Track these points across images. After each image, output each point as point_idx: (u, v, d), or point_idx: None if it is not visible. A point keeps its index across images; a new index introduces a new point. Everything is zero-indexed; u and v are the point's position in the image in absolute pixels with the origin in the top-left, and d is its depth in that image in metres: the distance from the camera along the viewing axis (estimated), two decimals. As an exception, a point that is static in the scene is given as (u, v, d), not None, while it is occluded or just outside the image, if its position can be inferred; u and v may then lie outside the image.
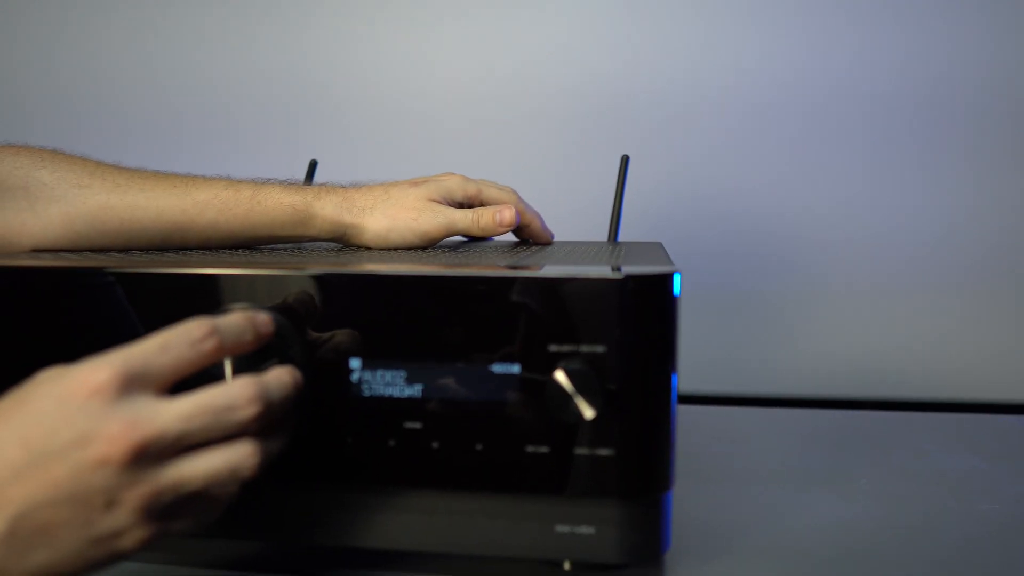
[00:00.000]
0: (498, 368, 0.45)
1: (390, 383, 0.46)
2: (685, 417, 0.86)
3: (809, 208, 0.97)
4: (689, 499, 0.62)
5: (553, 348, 0.44)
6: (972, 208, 0.95)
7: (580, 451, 0.45)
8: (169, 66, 1.07)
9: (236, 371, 0.45)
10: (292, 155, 0.95)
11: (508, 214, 0.67)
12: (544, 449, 0.45)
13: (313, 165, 0.82)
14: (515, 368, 0.45)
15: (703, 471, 0.69)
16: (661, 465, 0.46)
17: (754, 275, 0.99)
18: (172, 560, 0.52)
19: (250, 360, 0.45)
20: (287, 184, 0.66)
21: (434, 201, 0.67)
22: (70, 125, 1.09)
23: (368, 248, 0.67)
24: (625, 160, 0.77)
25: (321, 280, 0.47)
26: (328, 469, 0.47)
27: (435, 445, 0.46)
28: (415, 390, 0.46)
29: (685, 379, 0.98)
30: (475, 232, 0.68)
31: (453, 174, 0.70)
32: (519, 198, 0.71)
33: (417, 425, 0.46)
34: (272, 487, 0.48)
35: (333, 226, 0.66)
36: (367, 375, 0.46)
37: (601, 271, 0.44)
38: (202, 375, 0.41)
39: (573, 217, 0.87)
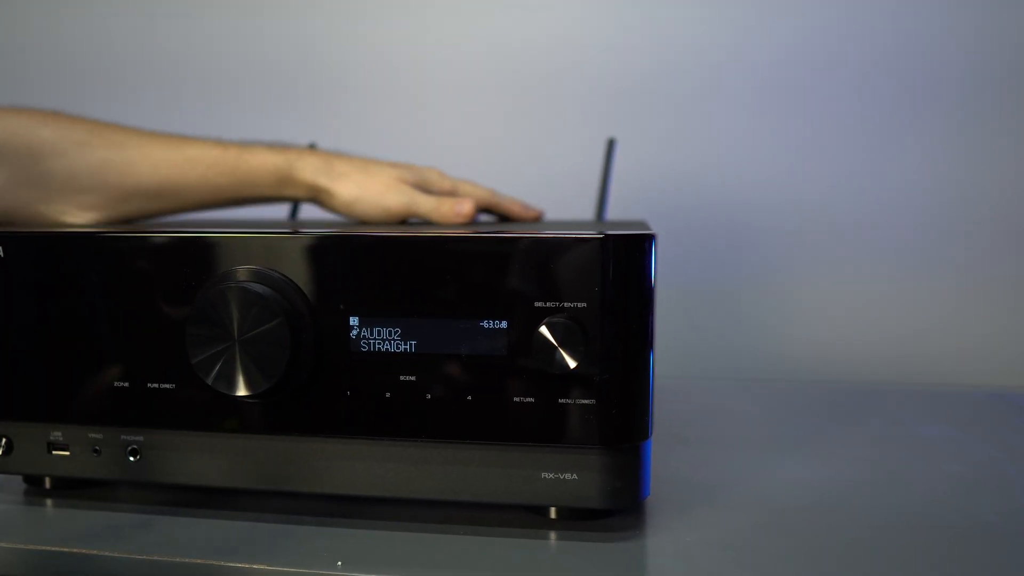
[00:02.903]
0: (487, 324, 0.48)
1: (386, 339, 0.49)
2: (668, 390, 0.89)
3: (794, 197, 1.01)
4: (670, 460, 0.65)
5: (538, 304, 0.48)
6: (948, 195, 0.98)
7: (564, 401, 0.48)
8: (165, 36, 1.10)
9: (240, 331, 0.48)
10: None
11: (467, 207, 0.70)
12: (530, 400, 0.48)
13: (311, 148, 0.84)
14: (503, 324, 0.48)
15: (685, 437, 0.72)
16: (640, 415, 0.49)
17: (738, 257, 1.02)
18: (179, 503, 0.55)
19: (248, 319, 0.48)
20: (273, 145, 0.71)
21: (406, 184, 0.71)
22: (71, 90, 1.12)
23: (336, 213, 0.71)
24: (611, 143, 0.80)
25: (322, 242, 0.50)
26: (328, 420, 0.50)
27: (428, 397, 0.49)
28: (410, 345, 0.49)
29: (672, 362, 1.01)
30: (435, 218, 0.70)
31: (435, 169, 0.74)
32: (494, 193, 0.75)
33: (412, 378, 0.49)
34: (276, 437, 0.52)
35: (309, 188, 0.70)
36: (365, 332, 0.49)
37: (584, 232, 0.48)
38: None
39: (564, 200, 0.90)
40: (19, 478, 0.59)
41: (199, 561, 0.48)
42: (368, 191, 0.69)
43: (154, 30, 1.11)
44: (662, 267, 1.02)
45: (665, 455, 0.66)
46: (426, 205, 0.70)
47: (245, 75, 1.09)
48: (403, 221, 0.71)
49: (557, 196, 1.00)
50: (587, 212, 0.87)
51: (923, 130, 0.98)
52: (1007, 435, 0.74)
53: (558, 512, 0.52)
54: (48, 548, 0.50)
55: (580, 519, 0.52)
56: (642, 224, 0.69)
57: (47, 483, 0.58)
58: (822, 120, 0.99)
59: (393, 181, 0.70)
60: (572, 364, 0.47)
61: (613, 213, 0.96)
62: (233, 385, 0.49)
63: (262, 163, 0.69)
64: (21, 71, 1.14)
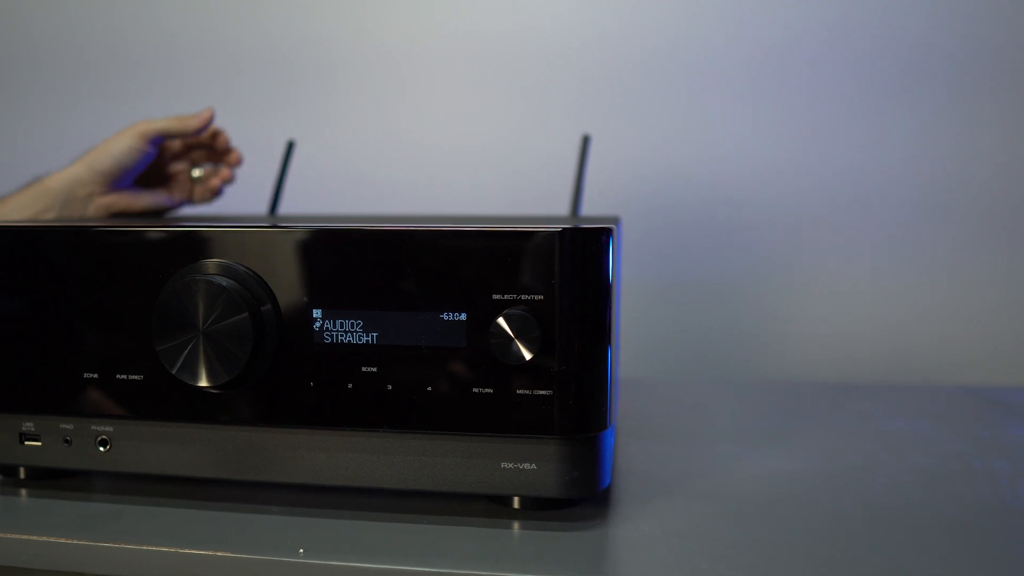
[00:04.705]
0: (446, 316, 0.49)
1: (348, 331, 0.50)
2: (640, 386, 0.90)
3: (774, 197, 1.01)
4: (638, 455, 0.66)
5: (497, 297, 0.48)
6: (927, 196, 0.99)
7: (522, 392, 0.49)
8: (160, 24, 1.11)
9: (205, 323, 0.49)
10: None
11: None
12: (489, 390, 0.49)
13: (290, 146, 0.85)
14: (462, 316, 0.49)
15: (654, 431, 0.73)
16: (598, 406, 0.50)
17: (716, 256, 1.03)
18: (150, 492, 0.56)
19: (219, 312, 0.49)
20: None
21: None
22: (63, 78, 1.12)
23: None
24: (586, 140, 0.81)
25: (287, 236, 0.51)
26: (292, 411, 0.51)
27: (389, 388, 0.50)
28: (371, 337, 0.50)
29: (648, 361, 1.02)
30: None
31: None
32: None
33: (373, 369, 0.50)
34: (241, 428, 0.52)
35: None
36: (328, 324, 0.50)
37: (541, 226, 0.48)
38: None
39: (544, 196, 0.91)
40: (-5, 468, 0.60)
41: (166, 549, 0.49)
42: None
43: (149, 18, 1.11)
44: (640, 264, 1.03)
45: (633, 450, 0.67)
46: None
47: (232, 65, 1.10)
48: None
49: (537, 192, 1.02)
50: (566, 208, 0.88)
51: (909, 126, 0.98)
52: (977, 429, 0.74)
53: (521, 502, 0.52)
54: (20, 536, 0.51)
55: (543, 509, 0.53)
56: (612, 219, 0.70)
57: (21, 473, 0.59)
58: (807, 117, 1.00)
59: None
60: (528, 356, 0.47)
61: (597, 209, 0.97)
62: (197, 376, 0.50)
63: None
64: (21, 56, 1.14)
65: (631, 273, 1.00)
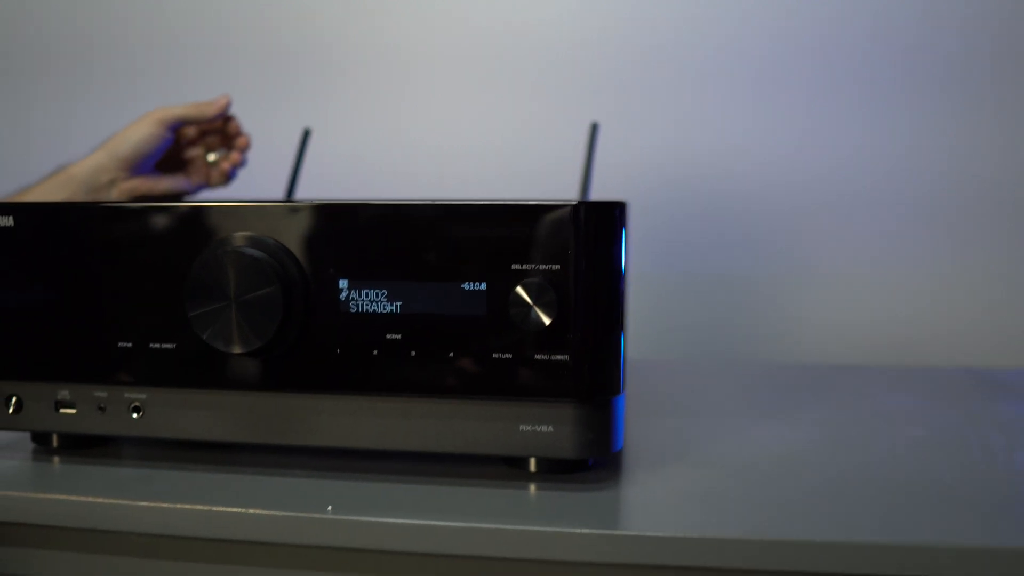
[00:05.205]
0: (468, 286, 0.52)
1: (374, 300, 0.53)
2: (647, 367, 0.93)
3: (778, 187, 1.04)
4: (646, 428, 0.68)
5: (516, 267, 0.51)
6: (925, 190, 1.02)
7: (539, 357, 0.51)
8: (165, 13, 1.13)
9: (237, 292, 0.51)
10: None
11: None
12: (508, 356, 0.52)
13: (306, 134, 0.88)
14: (482, 286, 0.52)
15: (662, 408, 0.76)
16: (611, 371, 0.52)
17: (725, 245, 1.06)
18: (179, 459, 0.58)
19: (244, 282, 0.51)
20: None
21: None
22: (69, 67, 1.15)
23: None
24: (594, 127, 0.83)
25: (315, 211, 0.53)
26: (319, 377, 0.54)
27: (413, 354, 0.52)
28: (395, 306, 0.52)
29: (655, 350, 1.04)
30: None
31: None
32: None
33: (397, 336, 0.52)
34: (270, 394, 0.55)
35: None
36: (354, 293, 0.53)
37: (558, 200, 0.51)
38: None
39: (554, 186, 0.94)
40: (27, 438, 0.63)
41: (199, 507, 0.52)
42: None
43: (155, 6, 1.13)
44: (644, 255, 1.06)
45: (642, 425, 0.70)
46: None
47: (241, 57, 1.12)
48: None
49: (544, 185, 1.04)
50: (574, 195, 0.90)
51: (910, 120, 1.01)
52: (973, 406, 0.77)
53: (537, 465, 0.55)
54: (55, 496, 0.54)
55: (558, 472, 0.55)
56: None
57: (54, 441, 0.61)
58: (810, 110, 1.03)
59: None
60: (547, 321, 0.50)
61: (603, 197, 0.99)
62: (228, 343, 0.52)
63: None
64: (37, 48, 1.17)
65: (635, 263, 1.03)
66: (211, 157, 0.85)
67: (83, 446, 0.62)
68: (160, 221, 0.55)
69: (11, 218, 0.56)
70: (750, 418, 0.72)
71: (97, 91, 1.14)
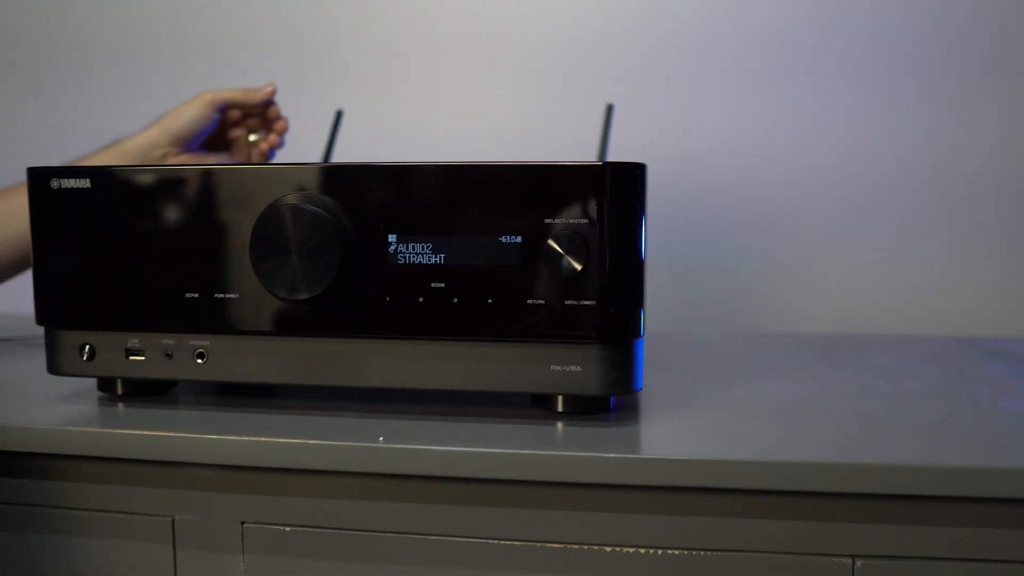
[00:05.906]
0: (505, 239, 0.57)
1: (420, 252, 0.58)
2: (659, 338, 0.98)
3: (787, 170, 1.10)
4: (662, 382, 0.74)
5: (548, 221, 0.57)
6: (928, 174, 1.07)
7: (569, 303, 0.57)
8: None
9: (297, 244, 0.57)
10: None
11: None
12: (541, 302, 0.57)
13: (339, 115, 0.93)
14: (518, 239, 0.57)
15: (676, 367, 0.81)
16: (633, 316, 0.58)
17: (738, 227, 1.11)
18: (239, 406, 0.64)
19: (304, 235, 0.57)
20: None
21: None
22: (84, 49, 1.21)
23: None
24: (610, 108, 0.89)
25: (366, 171, 0.59)
26: (370, 323, 0.59)
27: (455, 301, 0.58)
28: (439, 258, 0.58)
29: (673, 320, 1.10)
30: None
31: None
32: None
33: (441, 285, 0.58)
34: (324, 339, 0.61)
35: None
36: (402, 247, 0.59)
37: (586, 161, 0.57)
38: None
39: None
40: (93, 389, 0.68)
41: (262, 439, 0.57)
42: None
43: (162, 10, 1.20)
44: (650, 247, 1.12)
45: (657, 381, 0.75)
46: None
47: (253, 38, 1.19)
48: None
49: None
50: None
51: (909, 106, 1.07)
52: (964, 366, 0.83)
53: (564, 403, 0.61)
54: (125, 431, 0.59)
55: (583, 412, 0.61)
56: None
57: (119, 388, 0.67)
58: (810, 98, 1.09)
59: None
60: (578, 267, 0.56)
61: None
62: (289, 291, 0.58)
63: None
64: (90, 35, 1.22)
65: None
66: (252, 138, 0.91)
67: (145, 394, 0.67)
68: (223, 182, 0.61)
69: (88, 180, 0.62)
70: (758, 374, 0.77)
71: (149, 79, 1.20)
